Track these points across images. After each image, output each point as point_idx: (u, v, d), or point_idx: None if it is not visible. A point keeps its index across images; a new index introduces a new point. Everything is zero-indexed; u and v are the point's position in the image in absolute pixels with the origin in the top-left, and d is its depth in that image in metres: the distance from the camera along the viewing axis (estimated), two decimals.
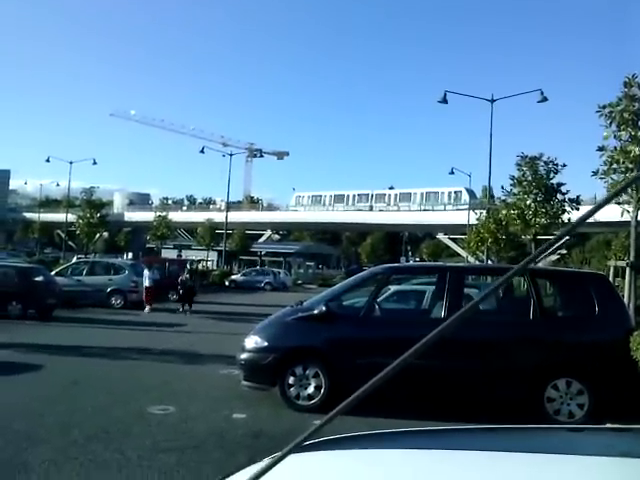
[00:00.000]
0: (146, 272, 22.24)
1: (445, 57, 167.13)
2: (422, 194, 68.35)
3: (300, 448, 1.09)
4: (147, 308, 21.38)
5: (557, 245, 47.41)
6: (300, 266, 60.81)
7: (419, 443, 2.05)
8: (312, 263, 64.01)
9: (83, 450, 5.82)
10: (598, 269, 23.74)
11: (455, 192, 64.45)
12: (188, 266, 24.89)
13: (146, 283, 21.78)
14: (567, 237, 45.69)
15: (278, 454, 1.08)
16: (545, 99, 25.93)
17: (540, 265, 11.65)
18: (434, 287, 9.23)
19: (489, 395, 7.85)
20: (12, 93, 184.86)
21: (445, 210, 62.65)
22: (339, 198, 74.43)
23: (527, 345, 7.82)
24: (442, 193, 66.42)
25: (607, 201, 1.06)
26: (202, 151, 47.14)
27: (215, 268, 48.34)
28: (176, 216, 64.40)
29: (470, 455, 1.85)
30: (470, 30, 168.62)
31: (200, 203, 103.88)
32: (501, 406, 7.45)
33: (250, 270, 47.95)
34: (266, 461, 1.11)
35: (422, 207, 65.79)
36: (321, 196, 76.56)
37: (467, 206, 49.20)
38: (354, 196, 73.53)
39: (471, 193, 59.80)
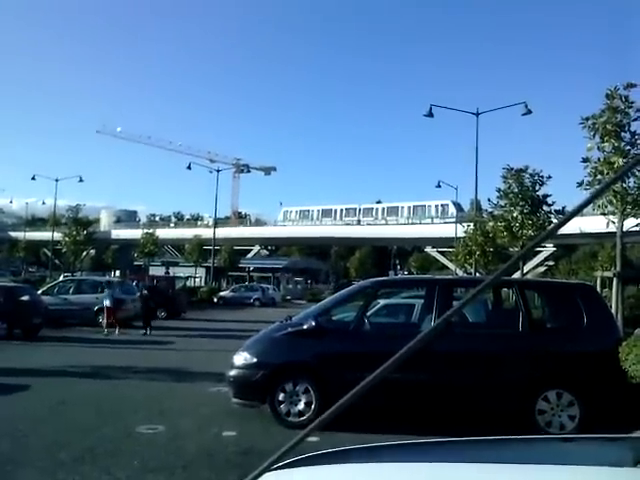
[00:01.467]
0: (106, 291, 20.47)
1: (430, 71, 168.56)
2: (409, 208, 68.67)
3: (277, 467, 1.08)
4: (106, 330, 19.24)
5: (544, 252, 47.61)
6: (289, 281, 60.72)
7: (409, 456, 2.03)
8: (301, 278, 63.96)
9: (70, 471, 5.73)
10: (585, 280, 23.86)
11: (442, 205, 64.80)
12: (147, 283, 22.97)
13: (106, 303, 19.77)
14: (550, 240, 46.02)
15: (250, 475, 1.06)
16: (529, 112, 26.18)
17: (528, 277, 11.68)
18: (423, 300, 9.23)
19: (479, 408, 7.83)
20: None
21: (433, 223, 62.89)
22: (327, 213, 74.57)
23: (517, 357, 7.83)
24: (429, 206, 66.75)
25: (578, 210, 1.06)
26: (189, 167, 47.19)
27: (203, 285, 48.11)
28: (163, 233, 64.22)
29: (461, 467, 1.83)
30: (455, 44, 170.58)
31: (188, 219, 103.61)
32: (492, 419, 7.42)
33: (239, 286, 47.79)
34: None
35: (410, 220, 66.01)
36: (309, 211, 76.65)
37: (454, 219, 49.62)
38: (342, 210, 73.73)
39: (458, 206, 60.21)
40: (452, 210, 61.47)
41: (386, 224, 67.46)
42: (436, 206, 65.82)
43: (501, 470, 1.77)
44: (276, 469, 1.63)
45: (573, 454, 2.05)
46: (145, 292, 21.00)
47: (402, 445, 2.31)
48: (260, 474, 1.06)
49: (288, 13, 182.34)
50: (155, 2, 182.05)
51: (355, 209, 73.05)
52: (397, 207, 70.47)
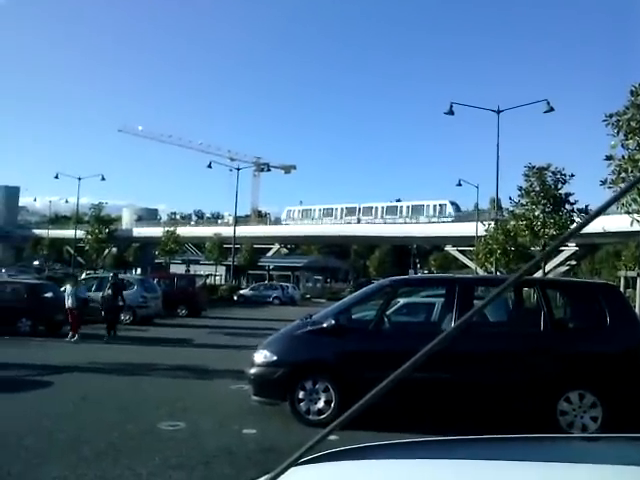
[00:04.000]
0: (69, 289, 17.14)
1: (451, 68, 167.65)
2: (408, 207, 69.53)
3: (300, 462, 1.09)
4: (70, 335, 16.68)
5: (566, 251, 47.26)
6: (308, 280, 60.71)
7: (429, 453, 2.03)
8: (320, 277, 63.92)
9: (93, 466, 5.80)
10: (608, 280, 23.58)
11: (440, 205, 65.80)
12: (110, 279, 19.26)
13: (68, 304, 16.83)
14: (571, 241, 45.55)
15: (276, 470, 1.07)
16: (551, 109, 25.90)
17: (550, 276, 11.56)
18: (443, 299, 9.18)
19: (501, 408, 7.77)
20: (21, 111, 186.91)
21: (453, 222, 62.73)
22: (328, 212, 75.24)
23: (538, 357, 7.75)
24: (427, 206, 67.58)
25: (606, 207, 1.05)
26: (209, 166, 47.42)
27: (224, 283, 48.38)
28: (184, 231, 64.66)
29: (483, 464, 1.83)
30: (475, 41, 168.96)
31: (208, 218, 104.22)
32: (513, 420, 7.37)
33: (258, 284, 47.94)
34: (264, 477, 1.10)
35: (430, 219, 66.04)
36: (311, 210, 77.45)
37: (452, 218, 50.10)
38: (342, 210, 74.18)
39: (455, 206, 61.05)
40: (449, 210, 63.25)
41: (405, 223, 67.48)
42: (434, 206, 66.60)
43: (523, 467, 1.77)
44: (300, 465, 1.64)
45: (598, 453, 2.03)
46: (109, 292, 18.16)
47: (422, 442, 2.31)
48: (285, 469, 1.07)
49: (306, 8, 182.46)
50: None
51: (355, 208, 73.48)
52: (396, 207, 71.72)
